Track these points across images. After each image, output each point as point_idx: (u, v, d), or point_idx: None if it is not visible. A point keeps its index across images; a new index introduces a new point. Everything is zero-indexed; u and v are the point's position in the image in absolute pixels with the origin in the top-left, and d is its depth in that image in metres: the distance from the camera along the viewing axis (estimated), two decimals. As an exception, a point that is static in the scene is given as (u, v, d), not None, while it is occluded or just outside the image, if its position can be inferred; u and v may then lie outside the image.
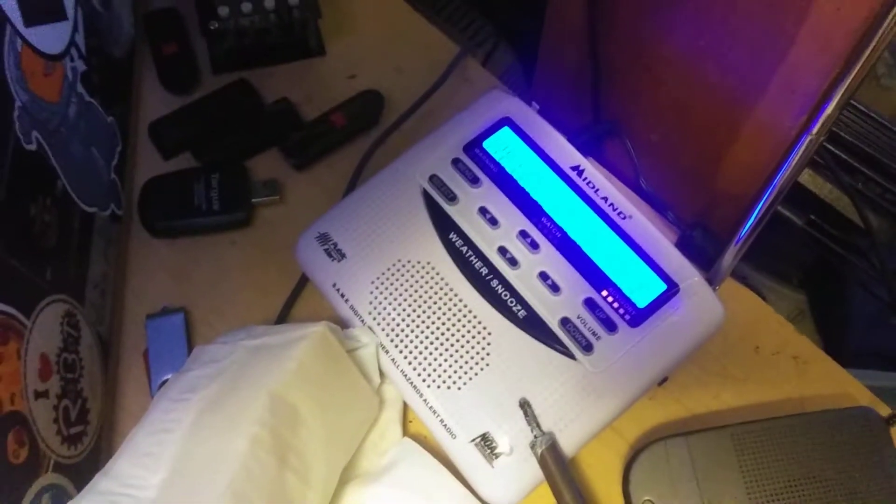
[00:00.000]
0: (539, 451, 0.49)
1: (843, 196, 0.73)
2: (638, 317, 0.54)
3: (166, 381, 0.55)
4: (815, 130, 0.42)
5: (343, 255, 0.57)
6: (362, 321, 0.55)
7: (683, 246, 0.60)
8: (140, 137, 0.67)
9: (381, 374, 0.55)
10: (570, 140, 0.60)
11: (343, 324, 0.55)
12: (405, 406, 0.56)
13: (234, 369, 0.47)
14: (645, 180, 0.64)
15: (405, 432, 0.55)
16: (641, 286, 0.55)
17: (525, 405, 0.51)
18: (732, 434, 0.51)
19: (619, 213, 0.57)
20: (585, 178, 0.58)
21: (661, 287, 0.55)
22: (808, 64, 0.46)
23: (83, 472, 0.48)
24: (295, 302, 0.60)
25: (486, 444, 0.51)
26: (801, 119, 0.46)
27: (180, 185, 0.63)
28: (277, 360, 0.47)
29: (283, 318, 0.59)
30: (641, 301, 0.54)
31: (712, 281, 0.56)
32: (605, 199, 0.57)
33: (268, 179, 0.65)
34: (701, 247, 0.61)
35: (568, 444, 0.51)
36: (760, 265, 0.87)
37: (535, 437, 0.50)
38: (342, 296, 0.56)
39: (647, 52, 0.56)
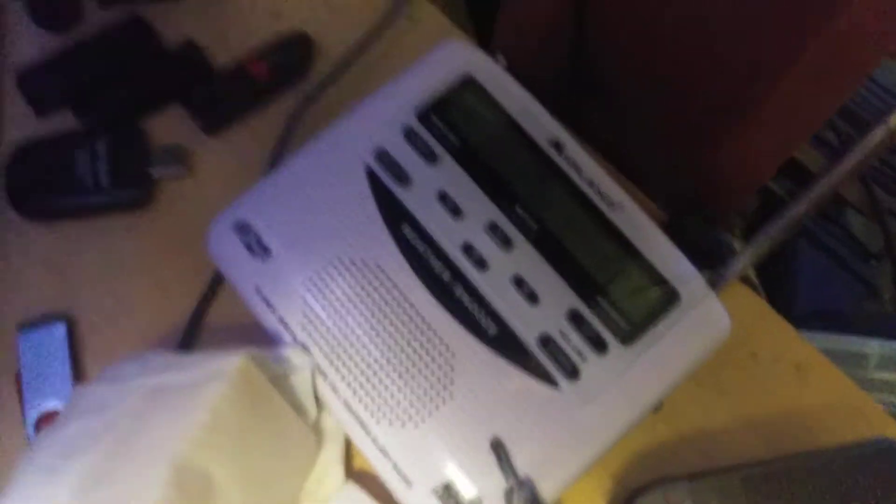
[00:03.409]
0: (516, 506, 0.40)
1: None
2: (632, 332, 0.44)
3: (45, 413, 0.44)
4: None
5: (267, 252, 0.46)
6: (294, 337, 0.44)
7: (671, 235, 0.51)
8: (7, 88, 0.54)
9: (318, 402, 0.44)
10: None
11: (270, 339, 0.45)
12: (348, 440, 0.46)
13: (125, 424, 0.36)
14: (628, 146, 0.54)
15: (348, 472, 0.45)
16: (636, 294, 0.45)
17: (498, 446, 0.42)
18: (744, 478, 0.43)
19: (607, 202, 0.47)
20: (566, 156, 0.48)
21: (659, 295, 0.45)
22: None
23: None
24: (208, 308, 0.49)
25: (449, 494, 0.41)
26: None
27: (58, 152, 0.51)
28: (184, 410, 0.36)
29: (192, 330, 0.48)
30: (636, 313, 0.45)
31: (715, 284, 0.47)
32: (591, 182, 0.47)
33: (170, 145, 0.53)
34: (692, 238, 0.52)
35: (549, 492, 0.42)
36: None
37: (511, 486, 0.41)
38: (268, 304, 0.45)
39: None
